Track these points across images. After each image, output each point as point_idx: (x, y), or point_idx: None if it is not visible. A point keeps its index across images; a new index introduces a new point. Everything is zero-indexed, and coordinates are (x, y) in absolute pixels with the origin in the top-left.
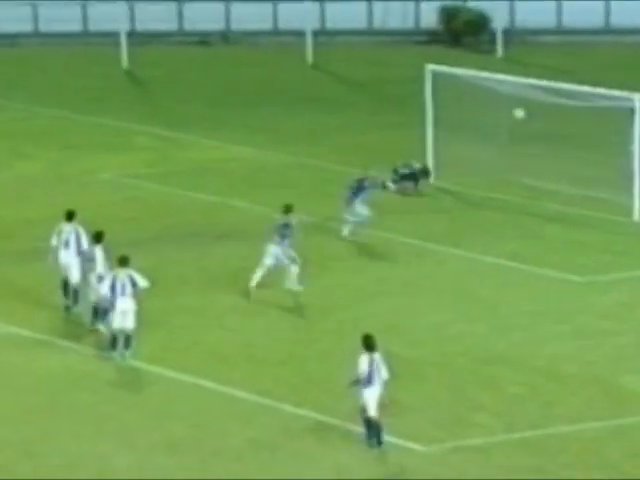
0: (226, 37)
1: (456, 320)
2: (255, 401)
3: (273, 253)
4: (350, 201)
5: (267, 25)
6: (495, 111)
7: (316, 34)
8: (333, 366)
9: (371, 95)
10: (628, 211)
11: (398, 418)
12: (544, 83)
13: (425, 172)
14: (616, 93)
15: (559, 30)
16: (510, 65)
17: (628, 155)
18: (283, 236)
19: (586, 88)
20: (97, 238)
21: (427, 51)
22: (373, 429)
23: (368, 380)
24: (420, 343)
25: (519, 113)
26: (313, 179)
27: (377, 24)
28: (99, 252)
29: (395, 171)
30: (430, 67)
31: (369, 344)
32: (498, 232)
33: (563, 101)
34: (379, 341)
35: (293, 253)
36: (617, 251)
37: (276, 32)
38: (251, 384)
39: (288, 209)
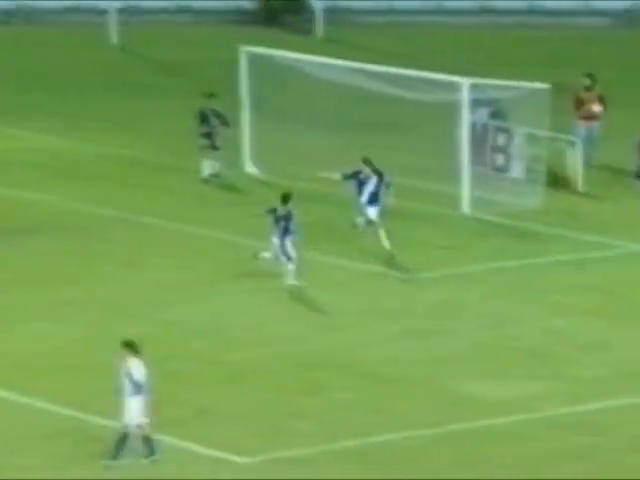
0: (27, 15)
1: (277, 321)
2: (62, 414)
3: (274, 246)
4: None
5: (69, 2)
6: (318, 97)
7: (122, 12)
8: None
9: (184, 79)
10: (456, 203)
11: (215, 427)
12: (368, 67)
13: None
14: (445, 78)
15: (387, 10)
16: (330, 47)
17: (456, 144)
18: (285, 229)
19: (414, 73)
20: None
21: (244, 31)
22: (144, 442)
23: (140, 388)
24: (239, 346)
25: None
26: (123, 170)
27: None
28: None
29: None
30: (246, 49)
31: (136, 348)
32: (324, 227)
33: (389, 87)
34: (198, 344)
35: (292, 250)
36: (446, 246)
37: (77, 10)
38: (58, 395)
39: (286, 198)
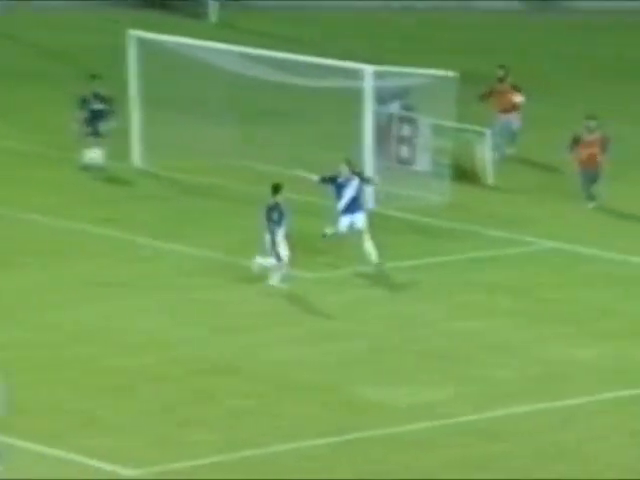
0: None
1: (171, 324)
2: None
3: (265, 242)
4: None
5: None
6: (212, 85)
7: None
8: (16, 381)
9: (69, 66)
10: None
11: (103, 438)
12: (265, 53)
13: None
14: (348, 65)
15: None
16: (225, 32)
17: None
18: (273, 222)
19: (315, 59)
20: None
21: (133, 15)
22: None
23: None
24: (132, 351)
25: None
26: (1, 163)
27: None
28: None
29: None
30: (134, 33)
31: None
32: (221, 223)
33: (288, 75)
34: (85, 349)
35: (281, 248)
36: (351, 243)
37: None
38: None
39: (277, 189)
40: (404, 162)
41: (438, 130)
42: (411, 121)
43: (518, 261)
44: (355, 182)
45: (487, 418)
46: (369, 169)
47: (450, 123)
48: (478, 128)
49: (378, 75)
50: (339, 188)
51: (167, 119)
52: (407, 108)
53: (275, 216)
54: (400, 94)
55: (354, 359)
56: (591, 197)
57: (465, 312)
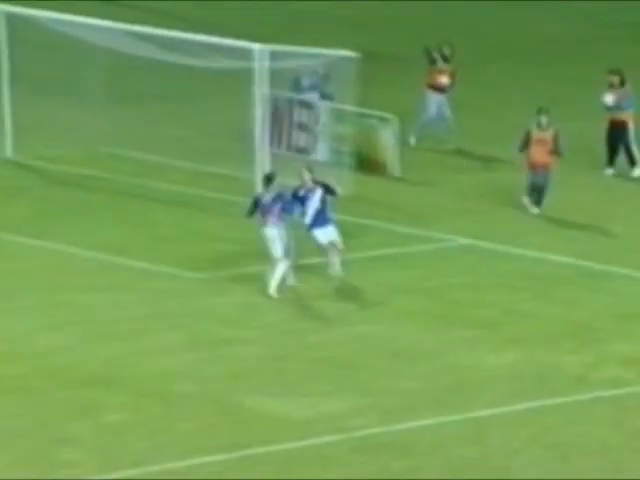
0: None
1: (42, 331)
2: None
3: (272, 236)
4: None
5: None
6: (88, 66)
7: None
8: None
9: None
10: (251, 189)
11: None
12: (149, 31)
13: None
14: (241, 45)
15: None
16: (103, 7)
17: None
18: (277, 214)
19: (200, 37)
20: None
21: None
22: None
23: None
24: None
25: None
26: None
27: None
28: None
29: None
30: (2, 7)
31: None
32: (96, 218)
33: (175, 54)
34: None
35: (288, 243)
36: (242, 240)
37: None
38: None
39: (269, 179)
40: (302, 151)
41: (338, 116)
42: (310, 106)
43: (428, 259)
44: (318, 193)
45: (392, 431)
46: (260, 158)
47: (352, 108)
48: (382, 113)
49: (270, 55)
50: (303, 201)
51: (37, 103)
52: (326, 97)
53: (278, 207)
54: (320, 83)
55: (245, 368)
56: (537, 202)
57: (368, 315)
